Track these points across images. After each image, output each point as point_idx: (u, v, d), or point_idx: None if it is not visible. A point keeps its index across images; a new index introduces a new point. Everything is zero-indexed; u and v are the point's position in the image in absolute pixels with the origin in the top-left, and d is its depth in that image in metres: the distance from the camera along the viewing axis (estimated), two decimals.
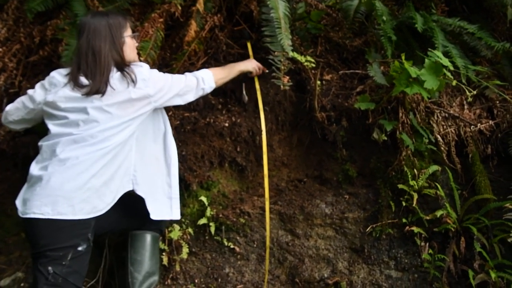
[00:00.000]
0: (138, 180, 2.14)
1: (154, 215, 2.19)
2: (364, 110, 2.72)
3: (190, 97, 2.35)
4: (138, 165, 2.14)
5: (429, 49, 2.54)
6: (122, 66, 2.10)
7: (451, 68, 2.49)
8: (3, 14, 2.84)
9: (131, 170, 2.11)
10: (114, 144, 2.01)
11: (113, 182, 2.02)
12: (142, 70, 2.13)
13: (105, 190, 1.98)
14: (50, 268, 1.85)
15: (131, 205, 2.20)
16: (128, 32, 2.20)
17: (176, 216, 2.30)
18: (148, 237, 2.36)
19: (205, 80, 2.38)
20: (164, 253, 2.63)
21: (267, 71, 2.72)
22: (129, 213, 2.25)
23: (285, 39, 2.47)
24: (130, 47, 2.20)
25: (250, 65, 2.72)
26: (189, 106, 2.85)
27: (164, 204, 2.27)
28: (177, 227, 2.68)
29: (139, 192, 2.14)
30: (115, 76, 2.06)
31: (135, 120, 2.10)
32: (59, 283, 1.85)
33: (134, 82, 2.06)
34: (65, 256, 1.87)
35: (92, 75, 2.03)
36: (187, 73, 2.37)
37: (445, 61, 2.42)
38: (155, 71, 2.22)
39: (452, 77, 2.52)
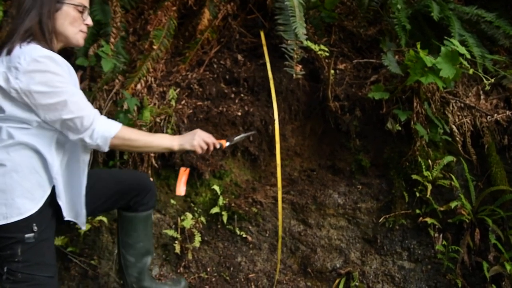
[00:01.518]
0: (59, 184, 1.76)
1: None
2: (378, 99, 2.69)
3: (70, 135, 1.69)
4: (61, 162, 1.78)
5: (445, 37, 2.50)
6: (31, 36, 1.64)
7: (468, 56, 2.44)
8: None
9: (51, 171, 1.72)
10: (17, 138, 1.64)
11: (33, 177, 1.68)
12: (23, 55, 1.57)
13: (29, 186, 1.67)
14: (5, 267, 1.67)
15: (102, 188, 2.00)
16: (73, 0, 1.71)
17: None
18: (139, 218, 2.19)
19: (97, 133, 1.70)
20: (176, 242, 2.65)
21: (220, 147, 2.08)
22: (105, 195, 2.03)
23: (300, 28, 2.46)
24: (67, 17, 1.70)
25: (189, 142, 1.91)
26: (202, 95, 2.86)
27: None
28: (189, 215, 2.69)
29: (60, 200, 1.77)
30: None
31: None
32: (21, 279, 1.68)
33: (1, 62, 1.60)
34: (14, 254, 1.66)
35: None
36: (96, 112, 1.73)
37: (462, 49, 2.38)
38: (52, 68, 1.59)
39: (468, 65, 2.48)
